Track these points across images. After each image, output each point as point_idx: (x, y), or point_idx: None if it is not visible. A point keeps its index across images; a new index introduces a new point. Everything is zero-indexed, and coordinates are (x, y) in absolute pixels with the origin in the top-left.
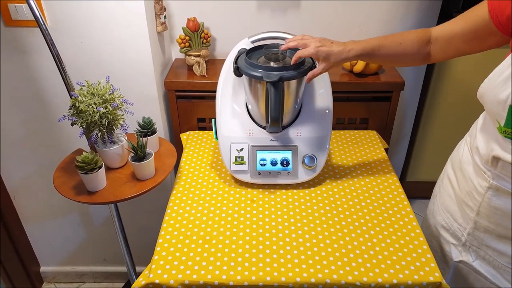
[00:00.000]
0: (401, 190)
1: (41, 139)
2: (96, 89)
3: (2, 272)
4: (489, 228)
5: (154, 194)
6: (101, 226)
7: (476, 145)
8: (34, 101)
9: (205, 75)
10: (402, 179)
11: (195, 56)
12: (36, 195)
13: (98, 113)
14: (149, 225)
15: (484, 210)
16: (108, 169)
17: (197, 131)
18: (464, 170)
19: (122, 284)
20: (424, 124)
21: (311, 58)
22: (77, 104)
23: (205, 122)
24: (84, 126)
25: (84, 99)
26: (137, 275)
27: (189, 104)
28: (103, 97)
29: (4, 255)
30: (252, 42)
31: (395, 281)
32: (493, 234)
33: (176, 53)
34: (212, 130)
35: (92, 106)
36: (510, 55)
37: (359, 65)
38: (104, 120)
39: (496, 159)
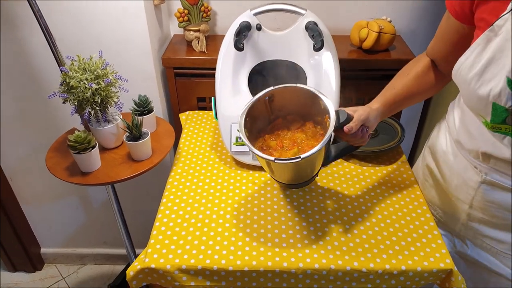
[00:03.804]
0: (410, 172)
1: (36, 118)
2: (88, 64)
3: (2, 253)
4: (484, 219)
5: (153, 176)
6: (100, 208)
7: (458, 138)
8: (26, 78)
9: (204, 51)
10: (409, 161)
11: (194, 31)
12: (34, 176)
13: (90, 90)
14: (149, 207)
15: (478, 204)
16: (103, 149)
17: (196, 111)
18: (450, 162)
19: (123, 266)
20: (434, 106)
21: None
22: (67, 80)
23: (205, 102)
24: (76, 104)
25: (75, 74)
26: (136, 257)
27: (189, 83)
28: (95, 73)
29: (3, 236)
30: (255, 14)
31: (403, 267)
32: (489, 224)
33: (175, 28)
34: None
35: (84, 82)
36: (476, 43)
37: (369, 41)
38: (96, 97)
39: (487, 155)
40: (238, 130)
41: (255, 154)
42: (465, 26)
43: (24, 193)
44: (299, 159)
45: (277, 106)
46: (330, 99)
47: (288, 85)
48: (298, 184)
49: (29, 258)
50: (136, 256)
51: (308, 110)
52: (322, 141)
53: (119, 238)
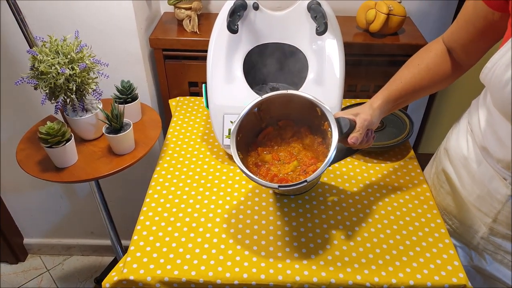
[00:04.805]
0: (419, 170)
1: (13, 102)
2: (61, 46)
3: None
4: (508, 235)
5: (140, 163)
6: (86, 198)
7: (484, 145)
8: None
9: (196, 32)
10: (413, 151)
11: (186, 9)
12: (12, 164)
13: (63, 76)
14: (136, 195)
15: (504, 218)
16: (82, 140)
17: (188, 97)
18: (472, 169)
19: (112, 258)
20: (441, 93)
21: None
22: (36, 65)
23: (198, 87)
24: (47, 91)
25: (45, 58)
26: (123, 249)
27: (179, 66)
28: (69, 56)
29: None
30: None
31: (411, 282)
32: None
33: (165, 5)
34: None
35: (56, 67)
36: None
37: (376, 23)
38: (71, 84)
39: None
40: (229, 139)
41: (257, 182)
42: (495, 13)
43: (3, 181)
44: (306, 183)
45: (268, 114)
46: (334, 87)
47: (278, 93)
48: (298, 194)
49: (11, 249)
50: (122, 248)
51: (303, 116)
52: (327, 160)
53: (106, 228)
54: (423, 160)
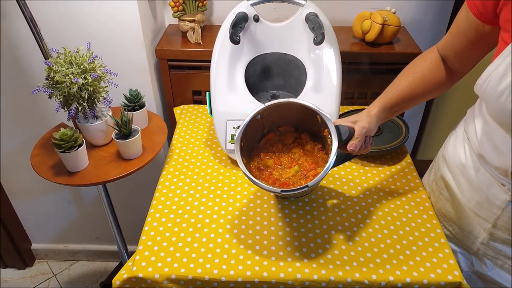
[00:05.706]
0: (415, 174)
1: (26, 111)
2: (75, 58)
3: None
4: (508, 240)
5: (146, 169)
6: (93, 203)
7: (481, 152)
8: (15, 70)
9: (200, 43)
10: (412, 157)
11: (190, 21)
12: (23, 170)
13: (76, 85)
14: (142, 201)
15: (504, 224)
16: (92, 146)
17: (191, 105)
18: (470, 176)
19: (116, 264)
20: (438, 100)
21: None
22: (52, 75)
23: (201, 95)
24: (61, 100)
25: (60, 68)
26: (129, 254)
27: (184, 75)
28: (82, 67)
29: None
30: (252, 5)
31: (408, 279)
32: None
33: (169, 18)
34: None
35: (69, 77)
36: (508, 50)
37: (372, 33)
38: (83, 93)
39: None
40: (232, 144)
41: (261, 187)
42: (486, 26)
43: (13, 187)
44: (307, 188)
45: (270, 121)
46: (331, 94)
47: (281, 101)
48: (299, 197)
49: (19, 254)
50: (128, 253)
51: (304, 123)
52: (327, 166)
53: (112, 233)
54: (422, 166)
